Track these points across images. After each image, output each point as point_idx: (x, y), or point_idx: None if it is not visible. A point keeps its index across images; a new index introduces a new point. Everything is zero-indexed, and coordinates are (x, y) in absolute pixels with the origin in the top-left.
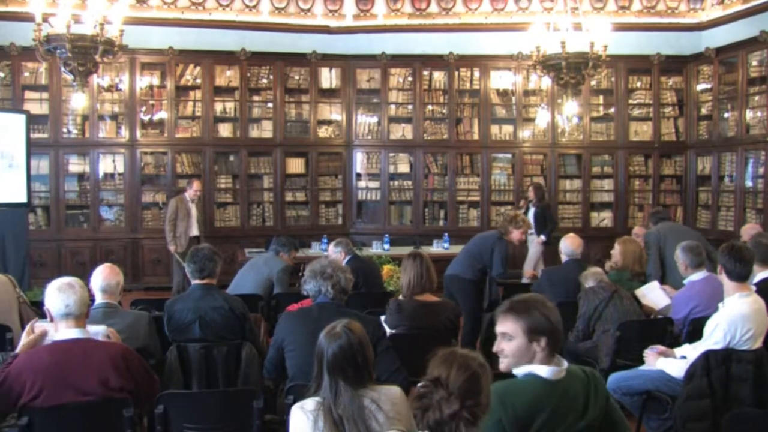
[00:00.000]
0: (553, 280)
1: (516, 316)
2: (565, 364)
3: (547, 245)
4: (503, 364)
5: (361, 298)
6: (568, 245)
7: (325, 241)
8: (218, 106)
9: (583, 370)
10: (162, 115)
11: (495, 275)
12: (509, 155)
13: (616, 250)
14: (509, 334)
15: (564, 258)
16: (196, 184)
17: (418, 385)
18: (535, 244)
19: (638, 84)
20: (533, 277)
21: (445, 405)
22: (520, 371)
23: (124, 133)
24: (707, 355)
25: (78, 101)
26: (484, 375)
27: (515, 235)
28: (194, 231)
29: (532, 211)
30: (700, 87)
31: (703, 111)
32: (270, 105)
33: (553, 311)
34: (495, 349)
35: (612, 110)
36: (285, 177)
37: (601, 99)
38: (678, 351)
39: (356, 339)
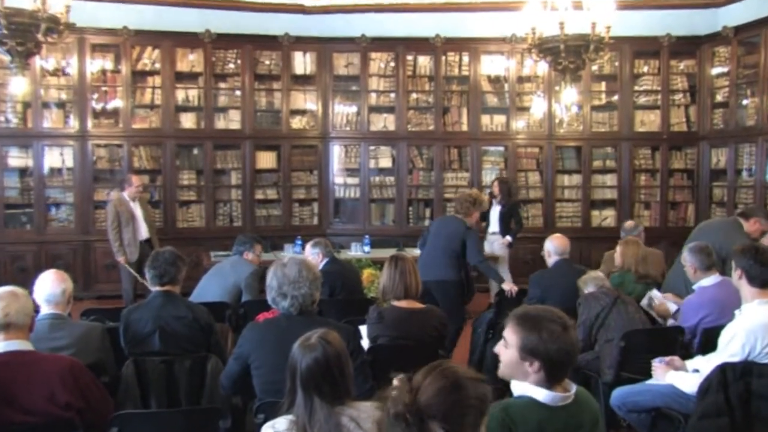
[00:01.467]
0: (545, 285)
1: (517, 327)
2: (574, 388)
3: (511, 248)
4: (499, 370)
5: (338, 304)
6: (557, 245)
7: (300, 242)
8: (180, 94)
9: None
10: (116, 103)
11: (475, 263)
12: (501, 148)
13: (617, 252)
14: (507, 342)
15: (553, 260)
16: (135, 179)
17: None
18: (499, 246)
19: (645, 69)
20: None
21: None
22: (516, 388)
23: (73, 123)
24: (724, 369)
25: (18, 86)
26: (467, 392)
27: (475, 217)
28: (143, 234)
29: (497, 209)
30: (715, 71)
31: (719, 98)
32: (238, 93)
33: (561, 339)
34: (495, 348)
35: (615, 98)
36: (255, 172)
37: (603, 86)
38: (690, 363)
39: (333, 351)
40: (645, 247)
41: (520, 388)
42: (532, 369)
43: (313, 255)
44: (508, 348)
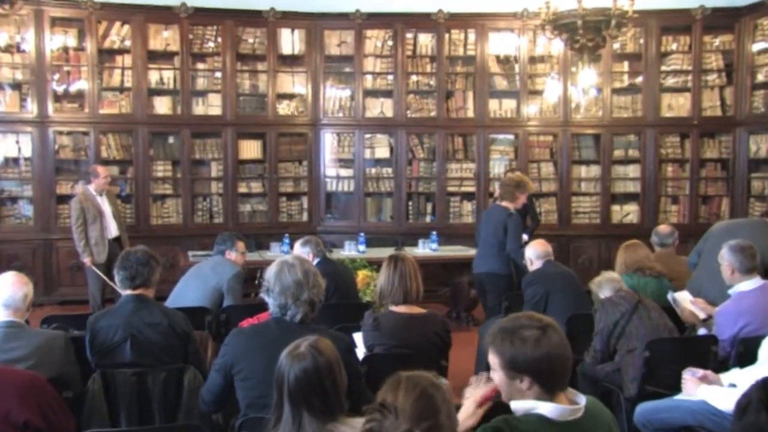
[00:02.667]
0: (545, 280)
1: (493, 345)
2: (582, 400)
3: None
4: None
5: (330, 309)
6: (538, 250)
7: (287, 241)
8: (153, 76)
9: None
10: (81, 85)
11: (509, 250)
12: (511, 136)
13: (618, 259)
14: (492, 365)
15: (538, 264)
16: (101, 170)
17: (365, 417)
18: None
19: (674, 46)
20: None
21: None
22: (518, 407)
23: (31, 107)
24: (765, 384)
25: None
26: (438, 394)
27: (522, 199)
28: (112, 232)
29: None
30: (756, 47)
31: (760, 77)
32: (218, 75)
33: (541, 343)
34: (491, 374)
35: (640, 79)
36: (237, 163)
37: (625, 66)
38: (725, 377)
39: (324, 361)
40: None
41: (521, 406)
42: (524, 386)
43: (303, 254)
44: (495, 371)
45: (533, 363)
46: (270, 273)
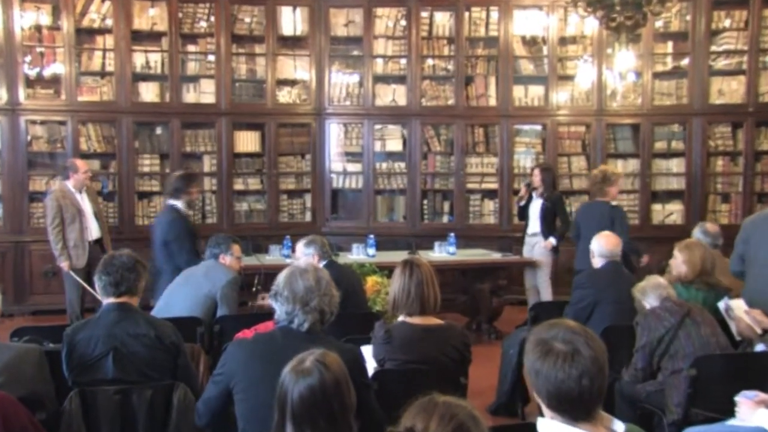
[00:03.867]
0: (600, 286)
1: (528, 343)
2: (621, 428)
3: (556, 252)
4: None
5: (337, 319)
6: (604, 245)
7: (288, 244)
8: (138, 59)
9: None
10: (57, 68)
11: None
12: (538, 127)
13: (678, 260)
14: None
15: (599, 262)
16: (81, 165)
17: None
18: (541, 250)
19: (727, 22)
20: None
21: None
22: (541, 428)
23: (0, 93)
24: None
25: None
26: (476, 428)
27: (614, 192)
28: (93, 233)
29: (538, 203)
30: None
31: None
32: (211, 58)
33: (559, 367)
34: None
35: (685, 62)
36: (233, 157)
37: (669, 46)
38: None
39: (331, 377)
40: (711, 250)
41: (544, 427)
42: (540, 400)
43: (306, 256)
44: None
45: (545, 383)
46: (280, 277)
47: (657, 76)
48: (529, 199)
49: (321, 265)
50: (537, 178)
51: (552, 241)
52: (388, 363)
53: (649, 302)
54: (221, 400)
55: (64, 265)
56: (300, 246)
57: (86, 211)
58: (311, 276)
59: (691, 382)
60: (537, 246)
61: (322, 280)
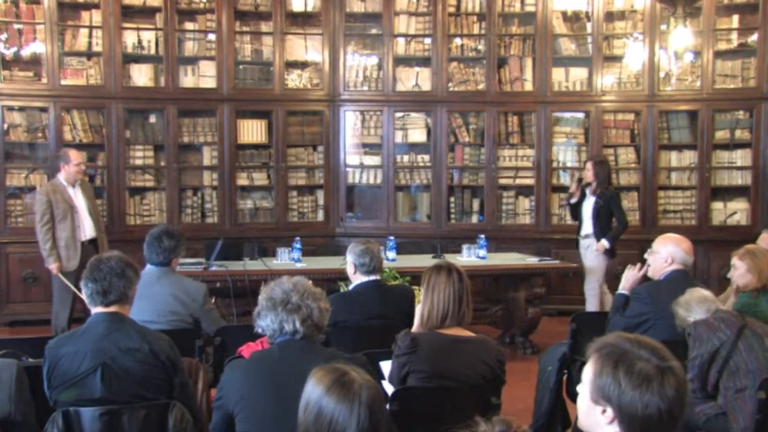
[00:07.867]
0: (661, 302)
1: (594, 356)
2: None
3: (611, 256)
4: (578, 420)
5: (348, 331)
6: (683, 252)
7: (299, 246)
8: (130, 37)
9: None
10: (37, 48)
11: None
12: (581, 115)
13: (740, 269)
14: (583, 377)
15: (670, 269)
16: (74, 155)
17: None
18: (593, 253)
19: None
20: None
21: None
22: None
23: None
24: None
25: None
26: None
27: None
28: (87, 233)
29: (591, 201)
30: None
31: None
32: (212, 37)
33: (647, 387)
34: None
35: (753, 38)
36: (236, 149)
37: (734, 21)
38: None
39: (377, 403)
40: None
41: None
42: (604, 418)
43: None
44: (584, 385)
45: (624, 402)
46: (260, 299)
47: (719, 55)
48: (582, 196)
49: (360, 281)
50: (590, 173)
51: (604, 243)
52: (411, 377)
53: (695, 315)
54: (226, 425)
55: (53, 267)
56: (354, 249)
57: (79, 207)
58: (286, 280)
59: (761, 406)
60: (590, 249)
61: (299, 283)
